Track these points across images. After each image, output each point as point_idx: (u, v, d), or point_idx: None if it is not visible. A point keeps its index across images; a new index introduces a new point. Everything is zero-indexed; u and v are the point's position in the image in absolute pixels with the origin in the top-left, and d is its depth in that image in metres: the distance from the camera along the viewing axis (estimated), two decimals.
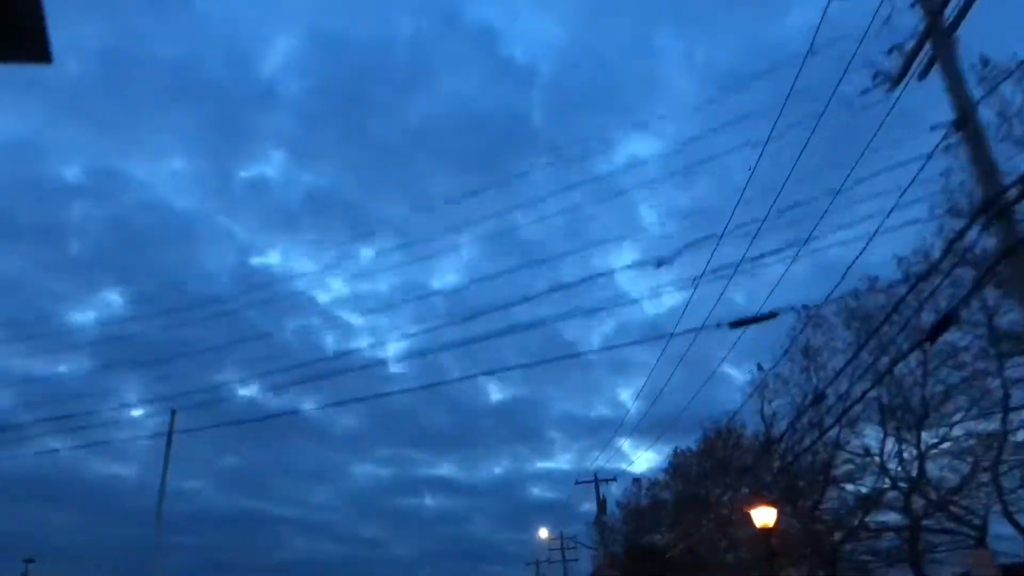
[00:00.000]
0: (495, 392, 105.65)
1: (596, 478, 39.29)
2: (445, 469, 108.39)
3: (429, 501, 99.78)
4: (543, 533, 42.71)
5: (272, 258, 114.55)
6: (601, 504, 38.79)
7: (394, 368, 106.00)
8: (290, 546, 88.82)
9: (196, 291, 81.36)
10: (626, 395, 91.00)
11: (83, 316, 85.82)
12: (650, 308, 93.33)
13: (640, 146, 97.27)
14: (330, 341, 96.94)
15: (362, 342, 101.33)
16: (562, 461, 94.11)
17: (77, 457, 75.95)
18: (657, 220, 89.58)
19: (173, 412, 23.16)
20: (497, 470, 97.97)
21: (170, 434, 22.95)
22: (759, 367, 31.18)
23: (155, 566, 22.08)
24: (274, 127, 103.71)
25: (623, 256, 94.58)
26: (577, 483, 40.16)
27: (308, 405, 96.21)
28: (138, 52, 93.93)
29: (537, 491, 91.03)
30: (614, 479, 39.54)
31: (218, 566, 73.55)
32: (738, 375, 40.67)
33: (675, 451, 45.35)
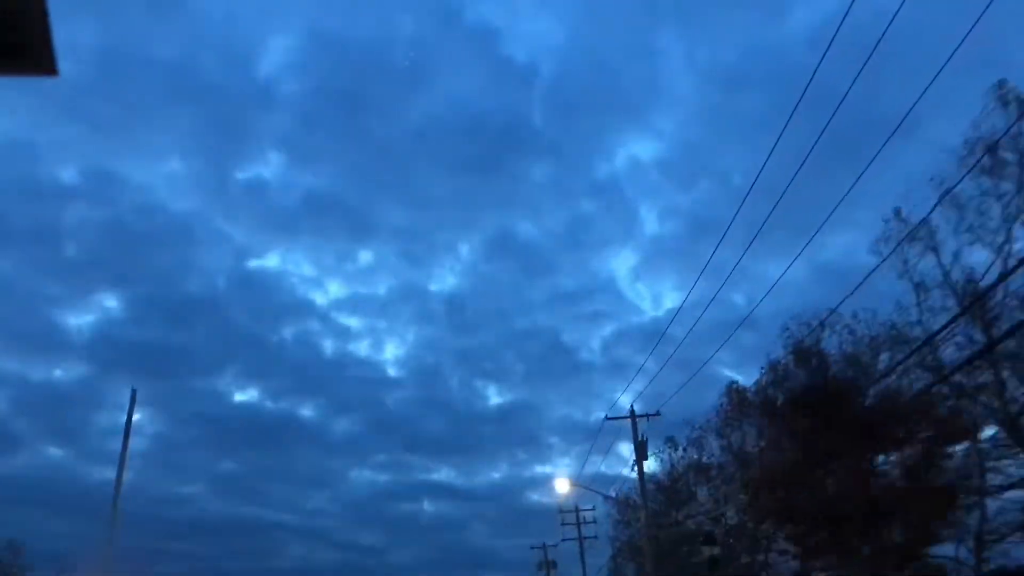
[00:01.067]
0: (494, 396, 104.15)
1: (633, 412, 28.94)
2: (443, 474, 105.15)
3: (427, 507, 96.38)
4: (561, 485, 31.42)
5: (270, 261, 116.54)
6: (640, 446, 28.44)
7: (392, 372, 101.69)
8: (287, 553, 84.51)
9: (193, 294, 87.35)
10: (625, 399, 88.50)
11: (79, 319, 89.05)
12: (649, 310, 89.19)
13: (640, 146, 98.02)
14: (328, 344, 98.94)
15: (360, 345, 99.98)
16: (561, 466, 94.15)
17: (72, 461, 78.75)
18: (656, 219, 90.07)
19: (133, 391, 21.85)
20: (496, 475, 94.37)
21: (130, 414, 21.43)
22: (897, 213, 20.71)
23: (107, 562, 20.86)
24: (272, 128, 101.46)
25: (623, 257, 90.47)
26: (607, 419, 29.73)
27: (306, 410, 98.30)
28: (135, 52, 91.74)
29: (536, 496, 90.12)
30: (657, 413, 29.19)
31: (214, 572, 72.51)
32: (736, 377, 36.82)
33: (730, 387, 34.92)
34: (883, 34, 9.92)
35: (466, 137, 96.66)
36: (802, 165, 12.54)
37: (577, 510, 44.08)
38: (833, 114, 11.28)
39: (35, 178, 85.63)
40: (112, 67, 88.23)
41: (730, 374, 42.86)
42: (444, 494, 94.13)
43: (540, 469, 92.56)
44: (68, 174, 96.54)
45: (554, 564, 56.15)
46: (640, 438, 28.92)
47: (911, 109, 10.74)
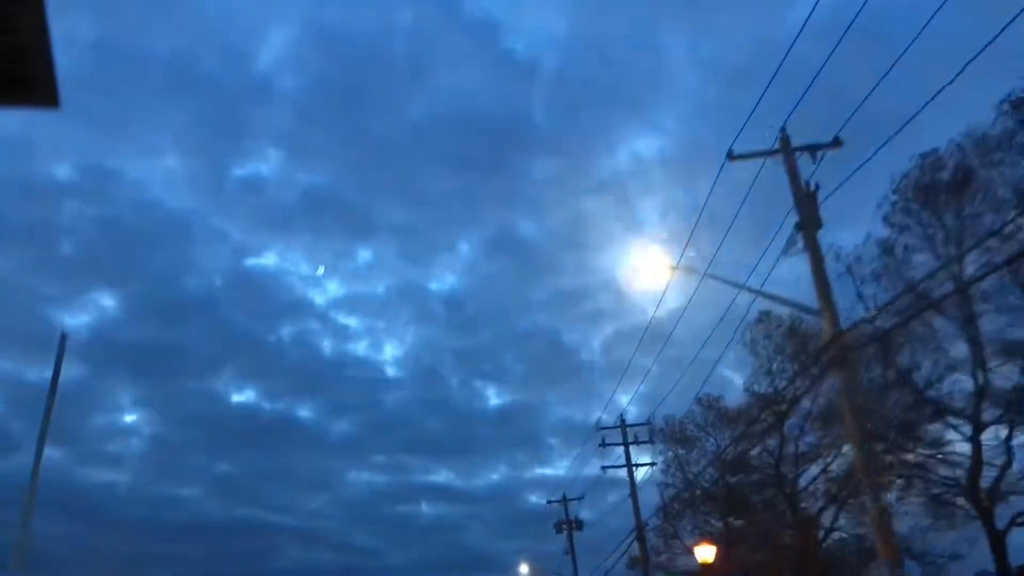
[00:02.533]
0: (493, 397, 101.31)
1: (785, 138, 13.78)
2: (442, 476, 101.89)
3: (426, 508, 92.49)
4: (646, 260, 15.04)
5: (268, 259, 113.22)
6: (807, 202, 13.33)
7: (391, 372, 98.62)
8: (285, 555, 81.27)
9: (190, 293, 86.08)
10: (626, 399, 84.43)
11: (75, 319, 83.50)
12: (648, 307, 75.23)
13: (643, 143, 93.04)
14: (327, 344, 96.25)
15: (359, 345, 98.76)
16: (560, 467, 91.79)
17: (69, 463, 75.17)
18: (659, 218, 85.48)
19: (63, 336, 19.15)
20: (495, 477, 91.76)
21: (58, 364, 18.80)
22: None
23: (21, 548, 18.33)
24: (270, 124, 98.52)
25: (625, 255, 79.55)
26: (731, 158, 14.44)
27: (304, 410, 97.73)
28: (130, 46, 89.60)
29: (535, 498, 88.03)
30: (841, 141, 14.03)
31: (212, 575, 72.46)
32: (738, 380, 30.18)
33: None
34: (854, 18, 9.87)
35: (466, 133, 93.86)
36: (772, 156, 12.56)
37: (624, 425, 28.91)
38: (804, 92, 11.24)
39: (29, 175, 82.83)
40: (107, 61, 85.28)
41: (729, 375, 35.03)
42: (443, 495, 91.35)
43: (540, 471, 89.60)
44: (63, 171, 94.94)
45: (579, 523, 41.06)
46: (809, 186, 13.74)
47: (874, 87, 10.67)
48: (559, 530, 41.24)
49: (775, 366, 27.40)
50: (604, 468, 28.74)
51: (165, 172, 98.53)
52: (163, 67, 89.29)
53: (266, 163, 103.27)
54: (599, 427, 29.02)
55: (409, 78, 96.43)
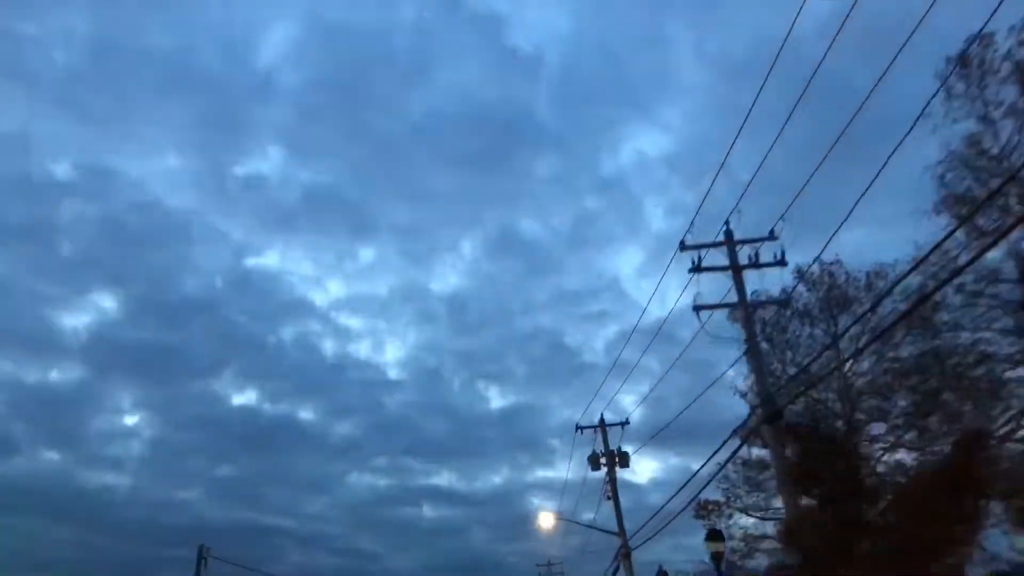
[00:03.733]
0: (496, 399, 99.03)
1: None
2: (444, 478, 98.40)
3: (428, 511, 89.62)
4: None
5: (269, 259, 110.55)
6: None
7: (392, 373, 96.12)
8: (285, 558, 74.78)
9: (190, 294, 78.06)
10: (629, 400, 72.48)
11: (74, 320, 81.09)
12: (655, 309, 69.61)
13: (648, 140, 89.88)
14: (328, 345, 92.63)
15: (361, 346, 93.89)
16: (562, 469, 79.58)
17: (70, 465, 73.81)
18: (663, 217, 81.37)
19: None
20: (497, 479, 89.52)
21: None
22: None
23: None
24: (271, 121, 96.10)
25: (628, 255, 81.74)
26: None
27: (305, 412, 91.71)
28: (129, 42, 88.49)
29: (537, 500, 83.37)
30: None
31: None
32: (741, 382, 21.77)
33: None
34: (849, 12, 9.47)
35: (469, 131, 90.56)
36: (768, 152, 12.19)
37: (731, 241, 16.94)
38: (804, 90, 10.83)
39: (28, 173, 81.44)
40: (107, 58, 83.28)
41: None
42: (445, 498, 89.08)
43: (542, 473, 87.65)
44: (62, 169, 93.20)
45: (624, 456, 29.18)
46: None
47: (874, 82, 9.74)
48: (595, 466, 29.47)
49: (994, 110, 15.60)
50: (696, 308, 16.73)
51: (165, 171, 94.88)
52: (163, 64, 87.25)
53: (267, 161, 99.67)
54: (685, 246, 17.07)
55: (411, 75, 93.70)
